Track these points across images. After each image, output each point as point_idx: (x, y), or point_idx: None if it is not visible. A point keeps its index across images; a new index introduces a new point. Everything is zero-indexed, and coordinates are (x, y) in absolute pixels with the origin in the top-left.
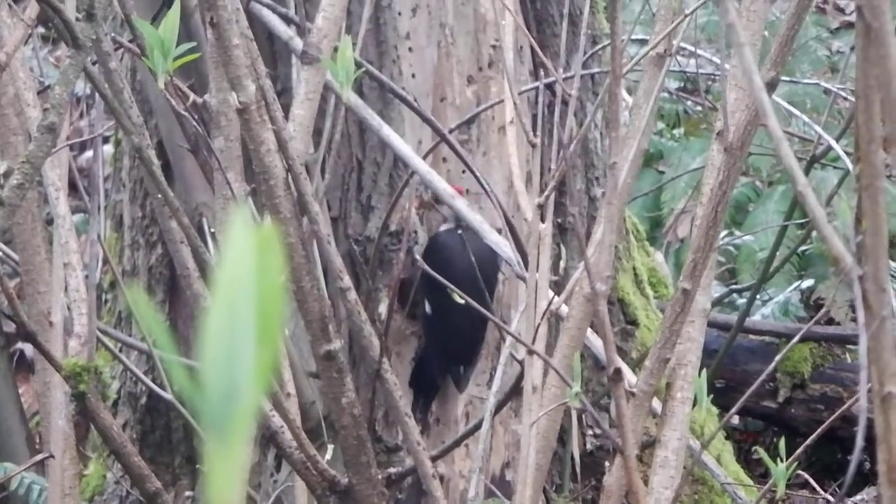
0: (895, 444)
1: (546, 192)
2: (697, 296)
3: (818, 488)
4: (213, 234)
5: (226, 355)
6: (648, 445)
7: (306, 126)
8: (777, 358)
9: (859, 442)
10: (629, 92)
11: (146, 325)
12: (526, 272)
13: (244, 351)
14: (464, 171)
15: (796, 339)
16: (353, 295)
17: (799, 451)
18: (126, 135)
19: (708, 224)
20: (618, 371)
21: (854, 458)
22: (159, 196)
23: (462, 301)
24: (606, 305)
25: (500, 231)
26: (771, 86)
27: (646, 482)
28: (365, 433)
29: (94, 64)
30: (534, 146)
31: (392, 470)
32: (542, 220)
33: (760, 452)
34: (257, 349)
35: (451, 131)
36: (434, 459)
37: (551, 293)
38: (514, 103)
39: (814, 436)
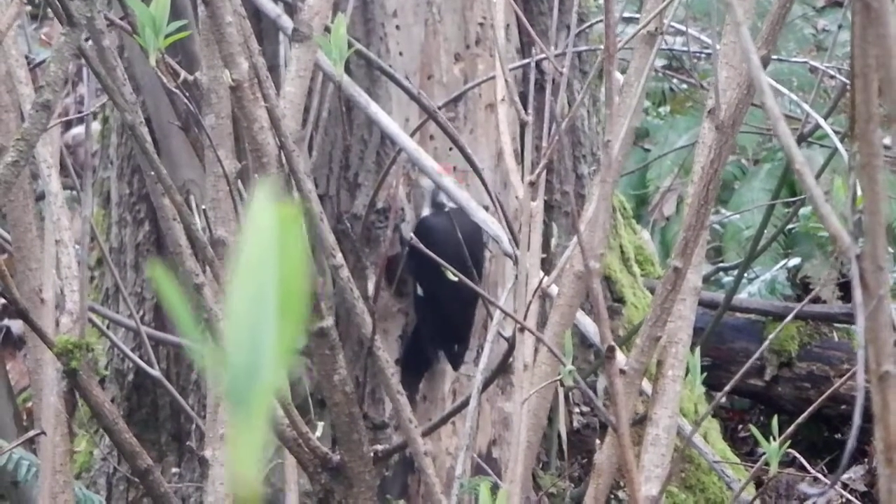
0: (892, 423)
1: (538, 170)
2: (688, 274)
3: (808, 466)
4: (204, 211)
5: (249, 332)
6: (637, 423)
7: (297, 104)
8: (770, 337)
9: (856, 420)
10: (623, 72)
11: (169, 304)
12: (515, 250)
13: (267, 327)
14: (451, 149)
15: (788, 318)
16: (345, 272)
17: (791, 429)
18: (120, 112)
19: (699, 202)
20: (612, 349)
21: (851, 438)
22: (152, 173)
23: (456, 279)
24: (599, 283)
25: (486, 208)
26: (763, 64)
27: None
28: (357, 410)
29: (86, 41)
30: (525, 124)
31: (379, 447)
32: (533, 197)
33: (753, 431)
34: (279, 326)
35: (439, 108)
36: (421, 436)
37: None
38: (506, 80)
39: (805, 415)
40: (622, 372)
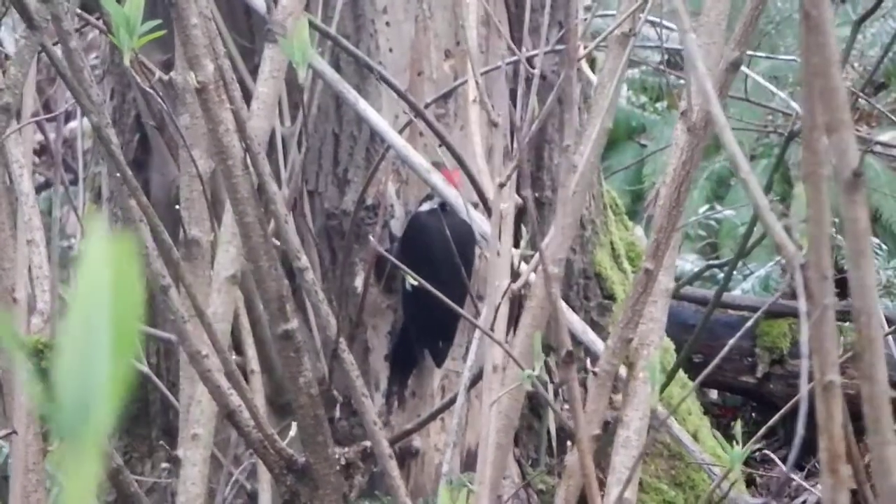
0: (836, 432)
1: (507, 172)
2: (660, 276)
3: (781, 465)
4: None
5: (81, 366)
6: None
7: (270, 104)
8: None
9: (799, 430)
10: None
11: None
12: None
13: (99, 362)
14: (440, 146)
15: (762, 309)
16: (310, 275)
17: (763, 430)
18: (86, 114)
19: (671, 204)
20: (569, 353)
21: (794, 448)
22: (118, 175)
23: (415, 283)
24: (559, 288)
25: (476, 206)
26: (734, 65)
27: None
28: (322, 412)
29: (55, 44)
30: (495, 125)
31: (344, 449)
32: (504, 199)
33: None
34: (112, 360)
35: (427, 106)
36: (409, 433)
37: (524, 270)
38: (476, 82)
39: (776, 417)
40: (594, 374)
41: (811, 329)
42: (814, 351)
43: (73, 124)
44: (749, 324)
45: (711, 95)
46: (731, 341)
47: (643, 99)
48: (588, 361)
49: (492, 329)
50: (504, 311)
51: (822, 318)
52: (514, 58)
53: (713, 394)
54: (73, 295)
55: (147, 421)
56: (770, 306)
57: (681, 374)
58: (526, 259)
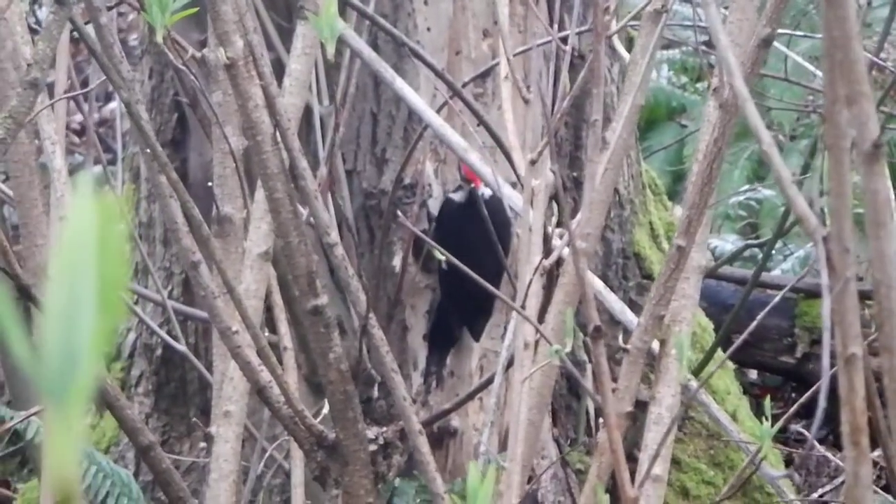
0: (858, 405)
1: (539, 149)
2: (692, 252)
3: (815, 443)
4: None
5: (65, 323)
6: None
7: (303, 81)
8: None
9: (822, 403)
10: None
11: None
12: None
13: (84, 319)
14: (479, 125)
15: (789, 286)
16: (339, 251)
17: (794, 407)
18: (115, 90)
19: (703, 180)
20: (598, 329)
21: (816, 420)
22: (147, 151)
23: (444, 259)
24: (587, 263)
25: (514, 185)
26: (766, 42)
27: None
28: (352, 388)
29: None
30: (527, 102)
31: (382, 429)
32: (535, 176)
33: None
34: (98, 317)
35: (464, 85)
36: (448, 413)
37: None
38: (508, 59)
39: (808, 394)
40: (625, 351)
41: (833, 302)
42: (836, 323)
43: (112, 105)
44: (776, 300)
45: (733, 66)
46: (760, 316)
47: (683, 79)
48: (620, 339)
49: (523, 306)
50: (536, 287)
51: (844, 290)
52: (548, 38)
53: (753, 374)
54: (58, 254)
55: (185, 400)
56: (808, 286)
57: (719, 353)
58: (562, 236)
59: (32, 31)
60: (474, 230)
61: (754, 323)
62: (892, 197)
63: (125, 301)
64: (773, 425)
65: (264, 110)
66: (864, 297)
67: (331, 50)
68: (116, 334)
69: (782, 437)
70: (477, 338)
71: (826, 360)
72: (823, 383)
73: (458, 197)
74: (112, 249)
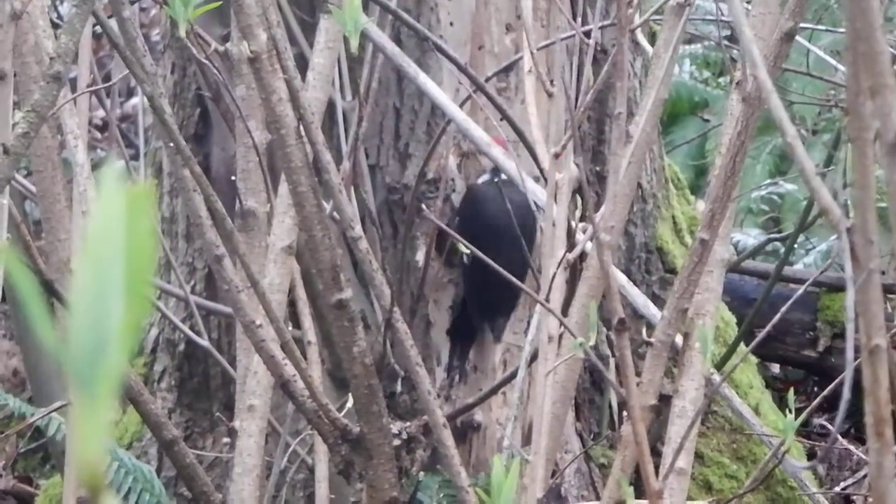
0: (882, 396)
1: (562, 142)
2: (716, 246)
3: (841, 439)
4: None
5: (94, 312)
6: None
7: (326, 75)
8: (793, 297)
9: (846, 394)
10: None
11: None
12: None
13: (112, 308)
14: (501, 119)
15: (811, 280)
16: (364, 244)
17: (817, 400)
18: (139, 83)
19: (726, 174)
20: (622, 321)
21: (840, 412)
22: (171, 144)
23: (468, 252)
24: (611, 256)
25: (537, 179)
26: (789, 35)
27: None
28: (376, 382)
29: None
30: (550, 96)
31: (406, 424)
32: (559, 170)
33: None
34: (126, 306)
35: (487, 79)
36: (471, 407)
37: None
38: (532, 52)
39: (830, 387)
40: (649, 344)
41: (857, 293)
42: (860, 315)
43: (135, 100)
44: (798, 293)
45: (757, 58)
46: (784, 309)
47: (706, 74)
48: (644, 332)
49: (546, 299)
50: (560, 281)
51: (868, 281)
52: (572, 32)
53: (775, 368)
54: (87, 242)
55: (208, 395)
56: (830, 280)
57: (742, 348)
58: (586, 230)
59: (55, 26)
60: (499, 219)
61: (777, 316)
62: None
63: (150, 293)
64: (795, 419)
65: (288, 104)
66: (886, 290)
67: (354, 43)
68: (143, 325)
69: (804, 431)
70: (498, 337)
71: (850, 352)
72: (847, 374)
73: (481, 181)
74: (140, 237)
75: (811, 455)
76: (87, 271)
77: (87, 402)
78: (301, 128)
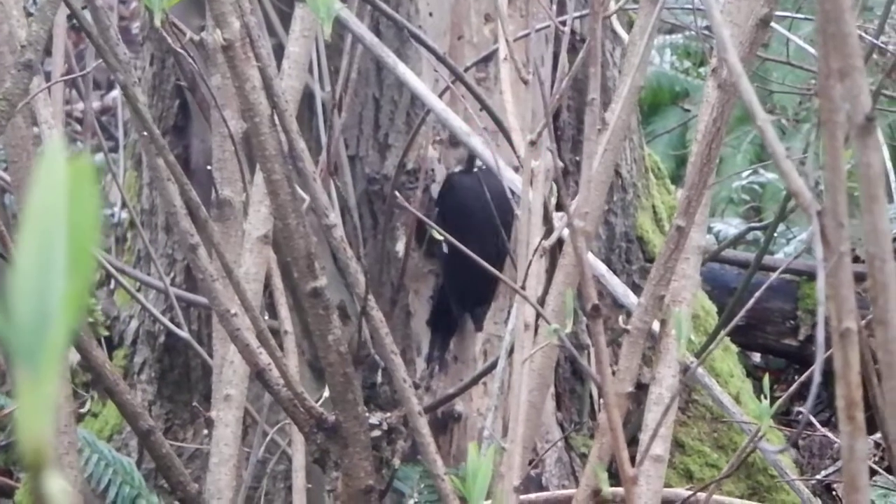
0: (853, 379)
1: (538, 129)
2: (692, 233)
3: (819, 425)
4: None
5: (36, 286)
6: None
7: (301, 63)
8: (765, 285)
9: (816, 377)
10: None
11: None
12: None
13: (55, 282)
14: (481, 109)
15: (781, 269)
16: (338, 232)
17: (794, 387)
18: (112, 72)
19: (702, 161)
20: (595, 307)
21: (810, 397)
22: (145, 133)
23: (442, 238)
24: (585, 243)
25: (516, 169)
26: (764, 21)
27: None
28: (352, 370)
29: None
30: (525, 83)
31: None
32: (535, 157)
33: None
34: (69, 280)
35: (466, 69)
36: (451, 398)
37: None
38: (507, 40)
39: (805, 374)
40: (626, 332)
41: (828, 276)
42: (830, 298)
43: (114, 93)
44: (772, 279)
45: (727, 41)
46: (757, 294)
47: (686, 64)
48: (620, 320)
49: (522, 287)
50: (536, 269)
51: (839, 264)
52: (549, 22)
53: (756, 357)
54: (28, 214)
55: (188, 387)
56: (811, 268)
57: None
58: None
59: (29, 16)
60: (477, 208)
61: (751, 301)
62: (887, 172)
63: (98, 261)
64: (778, 408)
65: (262, 92)
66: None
67: (328, 30)
68: (88, 295)
69: (786, 420)
70: (479, 325)
71: (821, 336)
72: (819, 358)
73: (458, 170)
74: (83, 211)
75: (795, 445)
76: (30, 244)
77: (31, 377)
78: (275, 116)
